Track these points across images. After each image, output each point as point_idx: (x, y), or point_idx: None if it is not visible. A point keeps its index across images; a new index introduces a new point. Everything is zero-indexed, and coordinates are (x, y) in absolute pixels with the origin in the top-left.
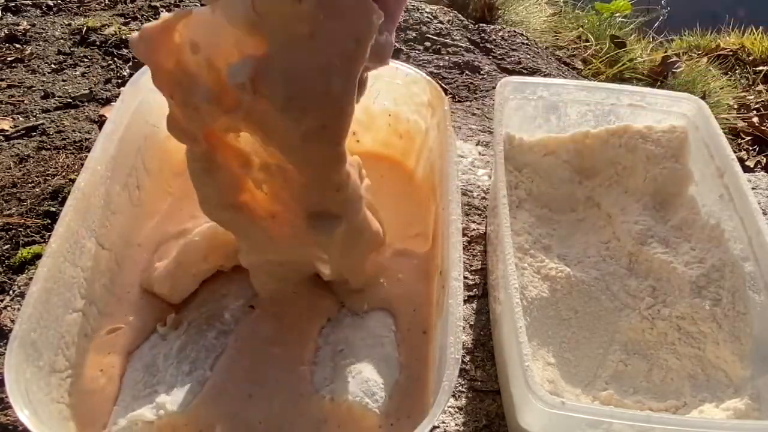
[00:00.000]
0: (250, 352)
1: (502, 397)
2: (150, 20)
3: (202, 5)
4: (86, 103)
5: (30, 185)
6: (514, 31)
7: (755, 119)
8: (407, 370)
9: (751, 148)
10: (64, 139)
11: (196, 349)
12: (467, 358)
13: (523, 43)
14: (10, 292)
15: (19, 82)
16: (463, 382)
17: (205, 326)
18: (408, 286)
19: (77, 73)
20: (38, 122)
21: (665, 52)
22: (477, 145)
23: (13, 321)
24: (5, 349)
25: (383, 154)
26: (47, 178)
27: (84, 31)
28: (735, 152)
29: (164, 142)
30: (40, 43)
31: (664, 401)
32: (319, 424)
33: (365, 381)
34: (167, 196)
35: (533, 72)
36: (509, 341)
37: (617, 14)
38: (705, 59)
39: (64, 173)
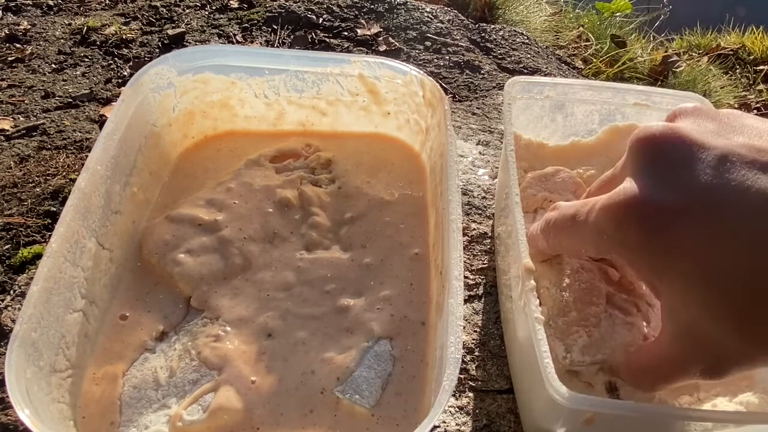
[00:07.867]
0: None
1: (516, 396)
2: (150, 20)
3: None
4: (86, 103)
5: (30, 185)
6: (515, 31)
7: None
8: (404, 368)
9: None
10: (64, 138)
11: (196, 357)
12: (467, 357)
13: (523, 43)
14: (11, 291)
15: (19, 82)
16: (463, 382)
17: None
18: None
19: (77, 72)
20: (39, 122)
21: (666, 51)
22: (477, 144)
23: (13, 321)
24: (5, 349)
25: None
26: (48, 177)
27: (84, 30)
28: None
29: (164, 142)
30: (41, 42)
31: (678, 398)
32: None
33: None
34: (167, 196)
35: (534, 71)
36: (526, 340)
37: (618, 14)
38: (705, 59)
39: (64, 173)
